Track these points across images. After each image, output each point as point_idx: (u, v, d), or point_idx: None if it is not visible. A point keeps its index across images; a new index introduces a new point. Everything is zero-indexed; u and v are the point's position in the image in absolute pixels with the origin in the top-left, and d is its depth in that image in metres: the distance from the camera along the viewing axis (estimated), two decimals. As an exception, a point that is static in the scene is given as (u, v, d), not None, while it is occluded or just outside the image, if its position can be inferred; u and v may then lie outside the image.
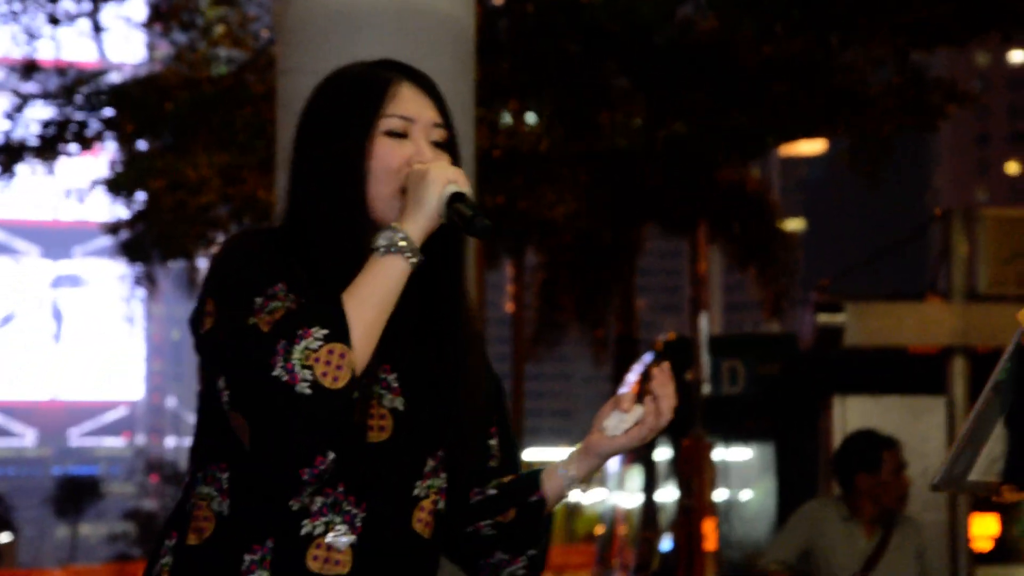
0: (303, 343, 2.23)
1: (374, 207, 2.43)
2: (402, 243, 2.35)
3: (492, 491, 2.58)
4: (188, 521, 2.40)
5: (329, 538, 2.34)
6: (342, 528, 2.35)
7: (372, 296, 2.32)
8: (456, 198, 2.38)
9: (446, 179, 2.38)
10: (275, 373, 2.22)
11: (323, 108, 2.50)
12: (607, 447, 2.50)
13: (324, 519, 2.35)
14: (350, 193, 2.43)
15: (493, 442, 2.62)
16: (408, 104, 2.47)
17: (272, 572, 2.32)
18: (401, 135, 2.45)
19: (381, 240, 2.36)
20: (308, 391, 2.22)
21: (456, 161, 2.49)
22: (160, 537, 2.43)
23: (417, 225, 2.36)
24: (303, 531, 2.34)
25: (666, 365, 2.46)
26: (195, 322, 2.34)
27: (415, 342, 2.46)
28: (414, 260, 2.36)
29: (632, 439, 2.49)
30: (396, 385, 2.42)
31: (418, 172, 2.40)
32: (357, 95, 2.48)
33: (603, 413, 2.51)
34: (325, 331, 2.26)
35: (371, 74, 2.50)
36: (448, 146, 2.50)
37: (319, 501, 2.34)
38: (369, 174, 2.44)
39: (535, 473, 2.58)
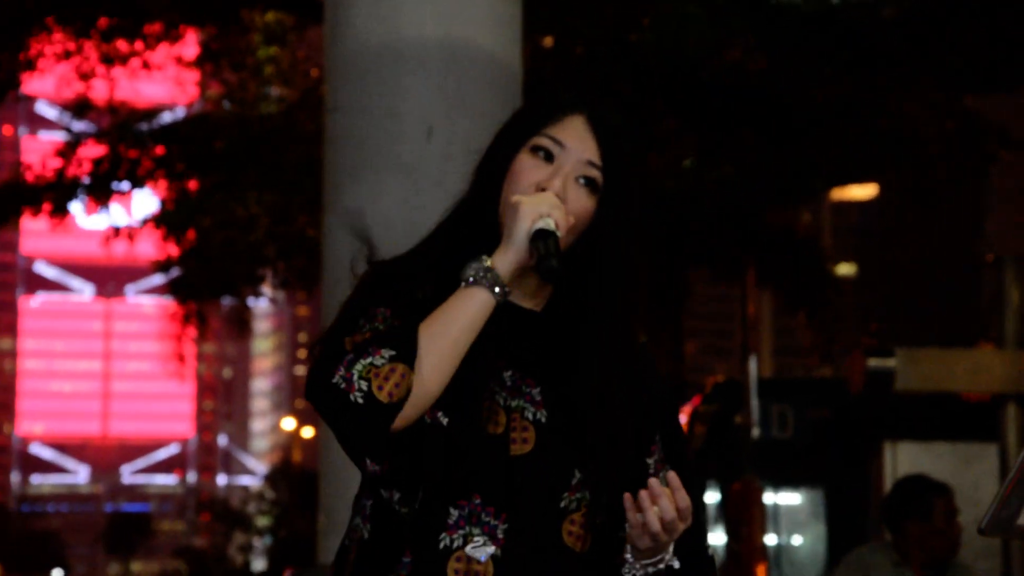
0: (368, 359, 2.30)
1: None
2: (487, 275, 2.36)
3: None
4: (344, 554, 2.50)
5: (468, 549, 2.35)
6: (480, 540, 2.35)
7: (448, 326, 2.35)
8: (539, 235, 2.37)
9: (537, 214, 2.38)
10: (334, 380, 2.30)
11: (500, 130, 2.52)
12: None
13: (462, 531, 2.36)
14: (483, 199, 2.46)
15: (650, 460, 2.55)
16: (567, 132, 2.45)
17: None
18: (547, 158, 2.44)
19: (468, 271, 2.38)
20: (360, 400, 2.28)
21: (606, 204, 2.45)
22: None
23: (506, 259, 2.38)
24: (441, 544, 2.35)
25: (654, 482, 2.37)
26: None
27: (566, 358, 2.46)
28: (499, 293, 2.37)
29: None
30: (540, 399, 2.42)
31: (514, 203, 2.40)
32: (528, 112, 2.51)
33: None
34: (392, 352, 2.31)
35: (550, 97, 2.51)
36: (602, 190, 2.46)
37: (455, 513, 2.36)
38: (504, 185, 2.45)
39: None
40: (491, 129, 2.56)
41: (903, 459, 9.07)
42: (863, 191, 17.25)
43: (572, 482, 2.41)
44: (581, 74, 11.19)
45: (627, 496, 2.36)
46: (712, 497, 13.53)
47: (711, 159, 12.76)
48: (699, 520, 2.49)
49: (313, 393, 2.34)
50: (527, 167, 2.44)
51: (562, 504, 2.40)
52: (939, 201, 12.47)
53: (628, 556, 2.41)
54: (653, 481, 2.35)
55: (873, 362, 8.57)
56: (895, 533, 6.11)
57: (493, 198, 2.45)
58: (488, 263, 2.37)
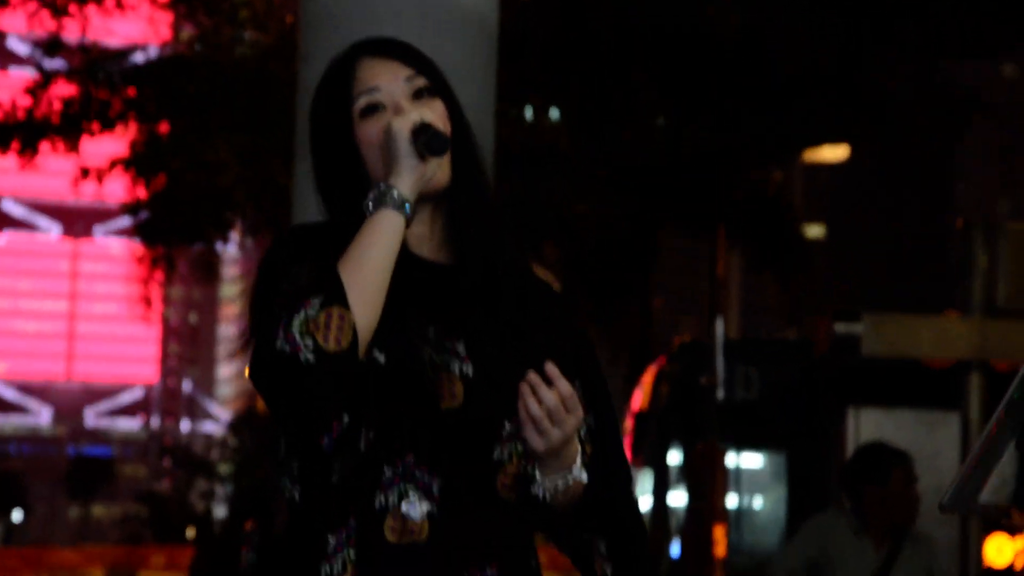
0: (302, 313, 2.28)
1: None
2: (387, 195, 2.38)
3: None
4: (272, 515, 2.47)
5: (403, 508, 2.34)
6: (414, 496, 2.35)
7: (365, 254, 2.35)
8: (416, 132, 2.40)
9: (409, 123, 2.41)
10: (278, 347, 2.27)
11: (313, 110, 2.55)
12: None
13: (396, 488, 2.35)
14: (354, 183, 2.47)
15: None
16: (368, 76, 2.48)
17: (357, 548, 2.34)
18: (375, 108, 2.47)
19: (369, 199, 2.39)
20: (312, 358, 2.26)
21: (450, 98, 2.50)
22: (236, 530, 2.51)
23: (399, 176, 2.39)
24: (377, 504, 2.35)
25: (533, 374, 2.37)
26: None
27: (484, 312, 2.46)
28: (403, 209, 2.38)
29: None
30: (464, 353, 2.41)
31: (385, 132, 2.43)
32: (329, 91, 2.52)
33: None
34: (321, 297, 2.29)
35: (334, 65, 2.54)
36: (434, 89, 2.50)
37: (389, 472, 2.35)
38: (365, 161, 2.47)
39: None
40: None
41: (866, 425, 9.10)
42: (835, 153, 17.25)
43: (503, 434, 2.40)
44: (558, 30, 11.15)
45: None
46: (675, 457, 13.58)
47: (685, 119, 12.75)
48: (615, 442, 2.54)
49: (260, 369, 2.30)
50: (367, 130, 2.46)
51: (495, 456, 2.40)
52: (910, 165, 12.46)
53: (536, 473, 2.41)
54: (531, 374, 2.35)
55: (840, 326, 8.59)
56: (853, 499, 6.14)
57: (359, 173, 2.47)
58: (385, 186, 2.39)
